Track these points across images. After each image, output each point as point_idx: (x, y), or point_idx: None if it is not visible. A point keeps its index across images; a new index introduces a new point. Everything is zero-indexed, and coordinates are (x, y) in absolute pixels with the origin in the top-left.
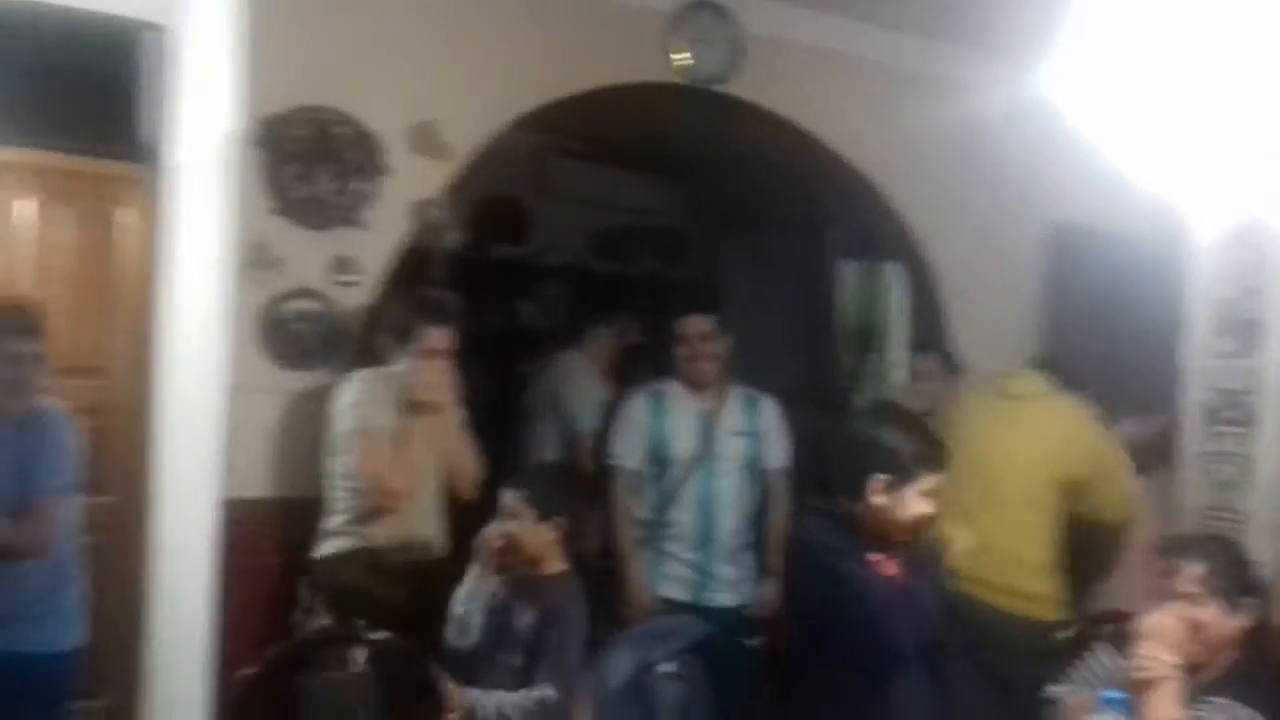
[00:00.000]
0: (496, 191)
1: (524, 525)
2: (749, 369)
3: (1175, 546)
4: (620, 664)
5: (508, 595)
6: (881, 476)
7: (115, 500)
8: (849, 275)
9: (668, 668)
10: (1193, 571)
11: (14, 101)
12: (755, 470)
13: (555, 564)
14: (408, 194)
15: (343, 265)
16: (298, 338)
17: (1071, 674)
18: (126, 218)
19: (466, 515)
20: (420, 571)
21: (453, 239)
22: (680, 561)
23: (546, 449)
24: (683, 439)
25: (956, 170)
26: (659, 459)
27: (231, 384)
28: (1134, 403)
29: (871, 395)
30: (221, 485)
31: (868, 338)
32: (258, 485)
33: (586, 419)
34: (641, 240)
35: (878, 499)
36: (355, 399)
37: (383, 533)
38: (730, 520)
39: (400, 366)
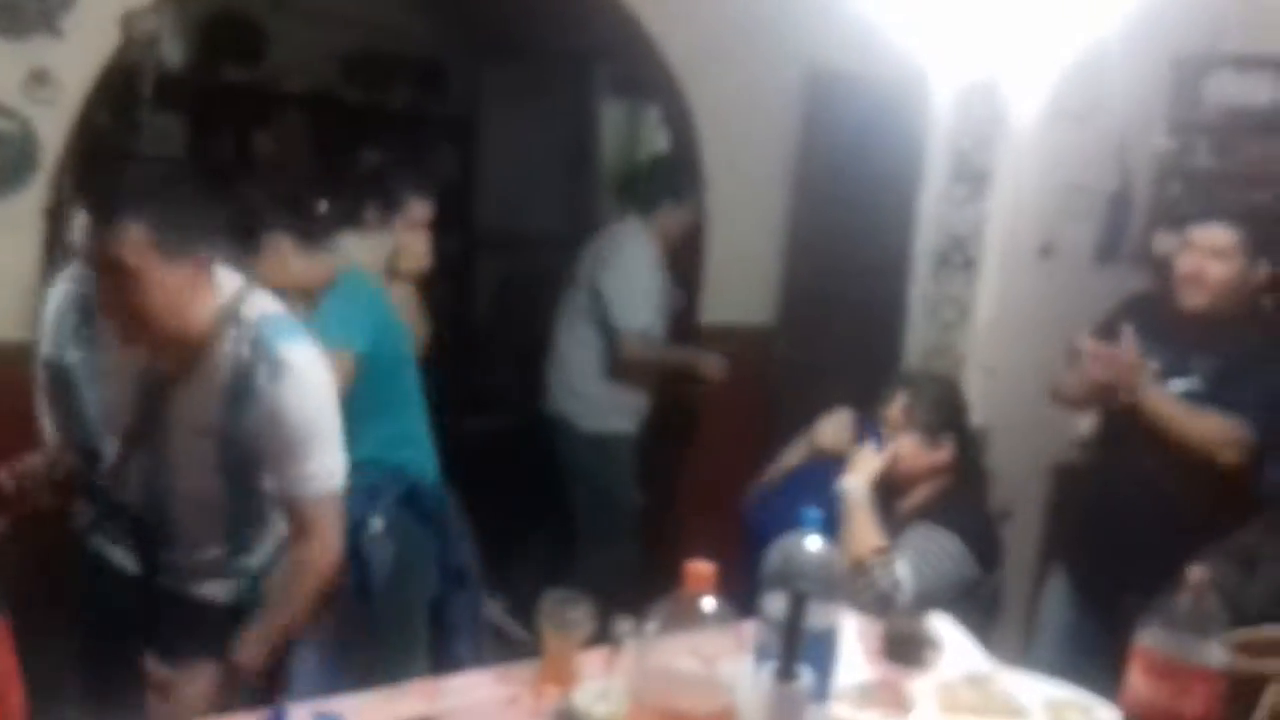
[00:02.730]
0: (223, 4)
1: None
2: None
3: (896, 380)
4: None
5: None
6: None
7: None
8: (612, 114)
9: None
10: (899, 403)
11: None
12: None
13: None
14: (116, 1)
15: (40, 79)
16: None
17: None
18: None
19: None
20: None
21: (172, 56)
22: None
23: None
24: None
25: (717, 11)
26: None
27: None
28: (874, 249)
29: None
30: None
31: (629, 180)
32: None
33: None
34: (395, 67)
35: None
36: None
37: None
38: None
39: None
